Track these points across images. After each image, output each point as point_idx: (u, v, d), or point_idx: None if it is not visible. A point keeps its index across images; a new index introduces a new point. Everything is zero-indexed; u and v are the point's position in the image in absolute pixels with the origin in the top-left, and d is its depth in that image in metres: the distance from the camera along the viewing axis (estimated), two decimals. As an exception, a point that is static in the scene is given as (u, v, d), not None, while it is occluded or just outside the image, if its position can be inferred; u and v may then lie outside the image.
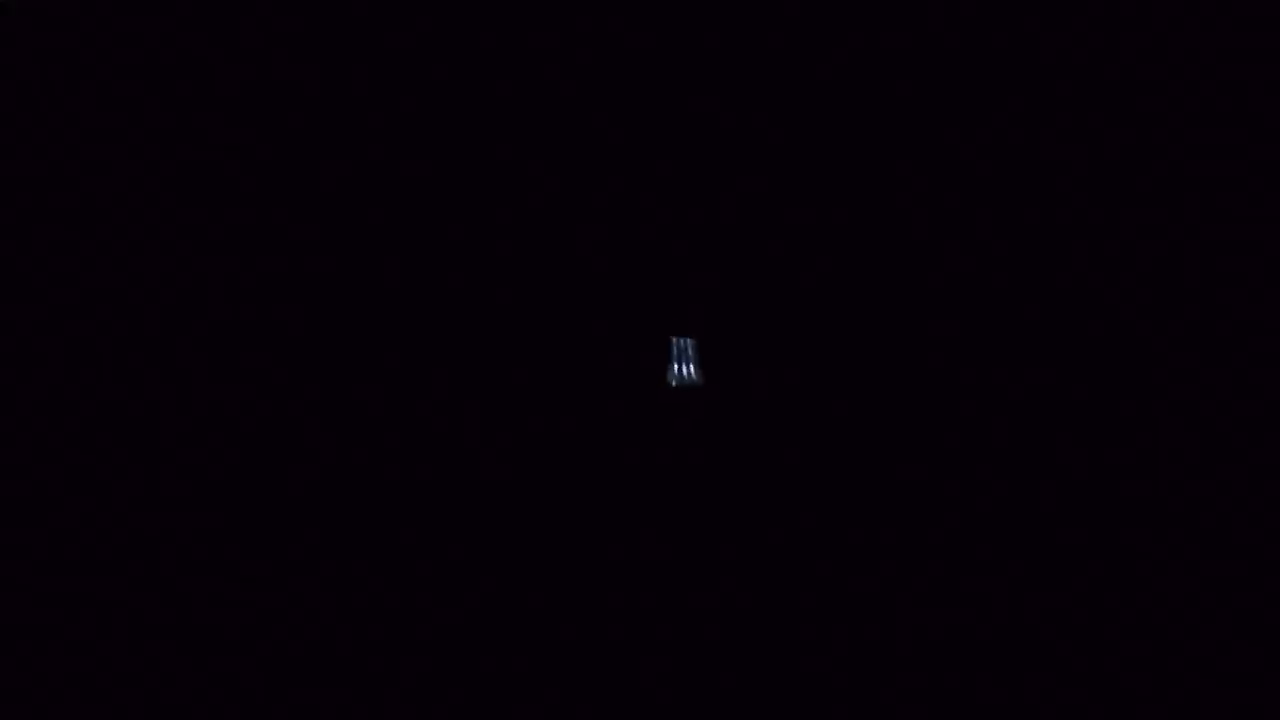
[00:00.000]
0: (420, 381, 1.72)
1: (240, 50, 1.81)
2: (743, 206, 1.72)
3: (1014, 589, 1.64)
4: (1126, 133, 1.71)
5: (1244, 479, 1.62)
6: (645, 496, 1.65)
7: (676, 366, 1.67)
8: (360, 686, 1.64)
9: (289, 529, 1.68)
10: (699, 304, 1.71)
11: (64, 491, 1.70)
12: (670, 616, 1.63)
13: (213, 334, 1.75)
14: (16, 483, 1.69)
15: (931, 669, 1.62)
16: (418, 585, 1.65)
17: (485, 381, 1.72)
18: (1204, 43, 1.70)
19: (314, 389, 1.74)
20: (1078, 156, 1.72)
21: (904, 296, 1.70)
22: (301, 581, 1.66)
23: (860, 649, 1.63)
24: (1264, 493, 1.62)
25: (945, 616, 1.63)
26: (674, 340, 1.67)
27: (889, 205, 1.71)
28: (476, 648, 1.64)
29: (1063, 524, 1.66)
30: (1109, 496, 1.66)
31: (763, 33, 1.73)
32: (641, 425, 1.67)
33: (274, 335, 1.75)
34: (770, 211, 1.71)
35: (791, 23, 1.72)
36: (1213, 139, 1.69)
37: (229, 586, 1.66)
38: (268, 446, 1.69)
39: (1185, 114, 1.70)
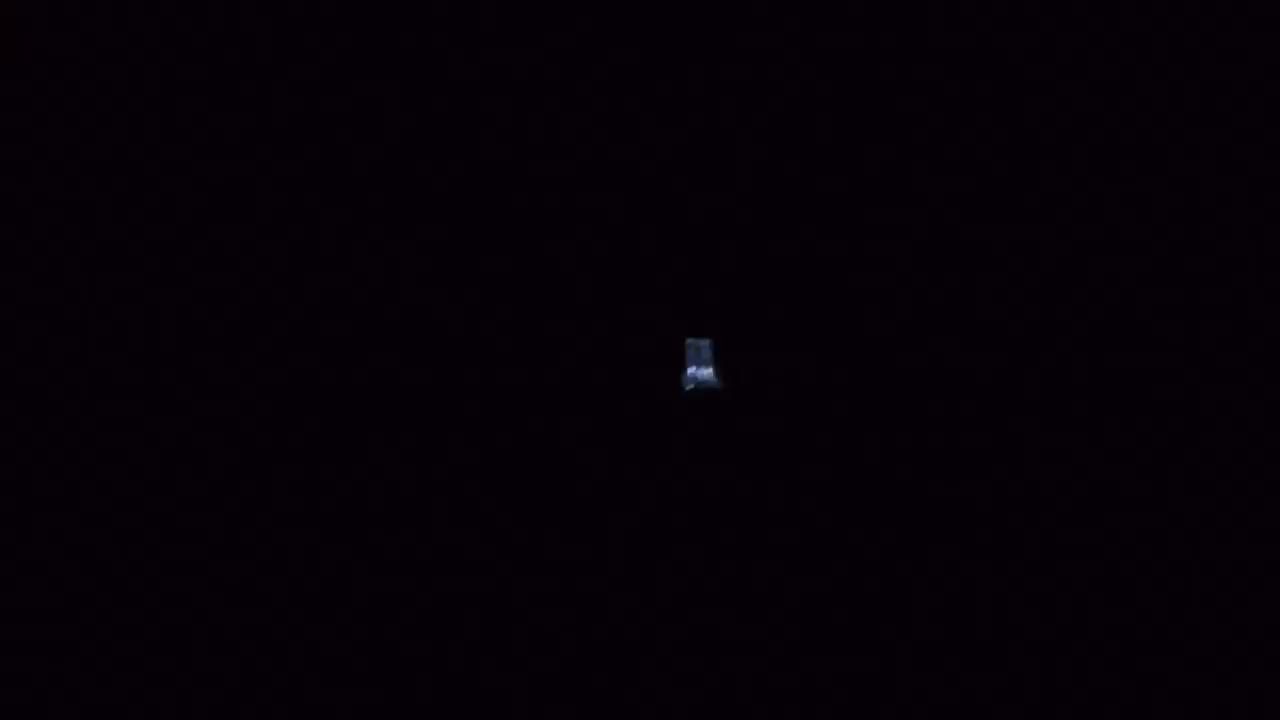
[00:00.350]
0: (431, 385, 1.70)
1: (240, 50, 1.79)
2: (755, 208, 1.71)
3: (1013, 589, 1.65)
4: (1126, 133, 1.73)
5: (1244, 478, 1.65)
6: (657, 502, 1.64)
7: (692, 369, 1.65)
8: (358, 687, 1.61)
9: (286, 529, 1.65)
10: (714, 305, 1.70)
11: (64, 491, 1.67)
12: (697, 617, 1.61)
13: (212, 334, 1.73)
14: (16, 483, 1.66)
15: (931, 669, 1.62)
16: (416, 586, 1.63)
17: (491, 385, 1.70)
18: (1203, 43, 1.72)
19: (312, 389, 1.72)
20: (1078, 156, 1.73)
21: (921, 299, 1.70)
22: (299, 582, 1.64)
23: (863, 649, 1.63)
24: (1263, 492, 1.64)
25: (946, 617, 1.64)
26: (689, 342, 1.65)
27: (901, 207, 1.71)
28: (473, 648, 1.62)
29: (1063, 524, 1.67)
30: (1108, 496, 1.67)
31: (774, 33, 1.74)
32: (655, 431, 1.66)
33: (274, 335, 1.73)
34: (783, 214, 1.71)
35: (791, 23, 1.73)
36: (1213, 139, 1.71)
37: (225, 587, 1.63)
38: (265, 447, 1.66)
39: (1185, 114, 1.72)
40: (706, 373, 1.66)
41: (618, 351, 1.70)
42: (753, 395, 1.69)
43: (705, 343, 1.66)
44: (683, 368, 1.67)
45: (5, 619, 1.69)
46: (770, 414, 1.69)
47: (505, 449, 1.71)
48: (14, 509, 1.72)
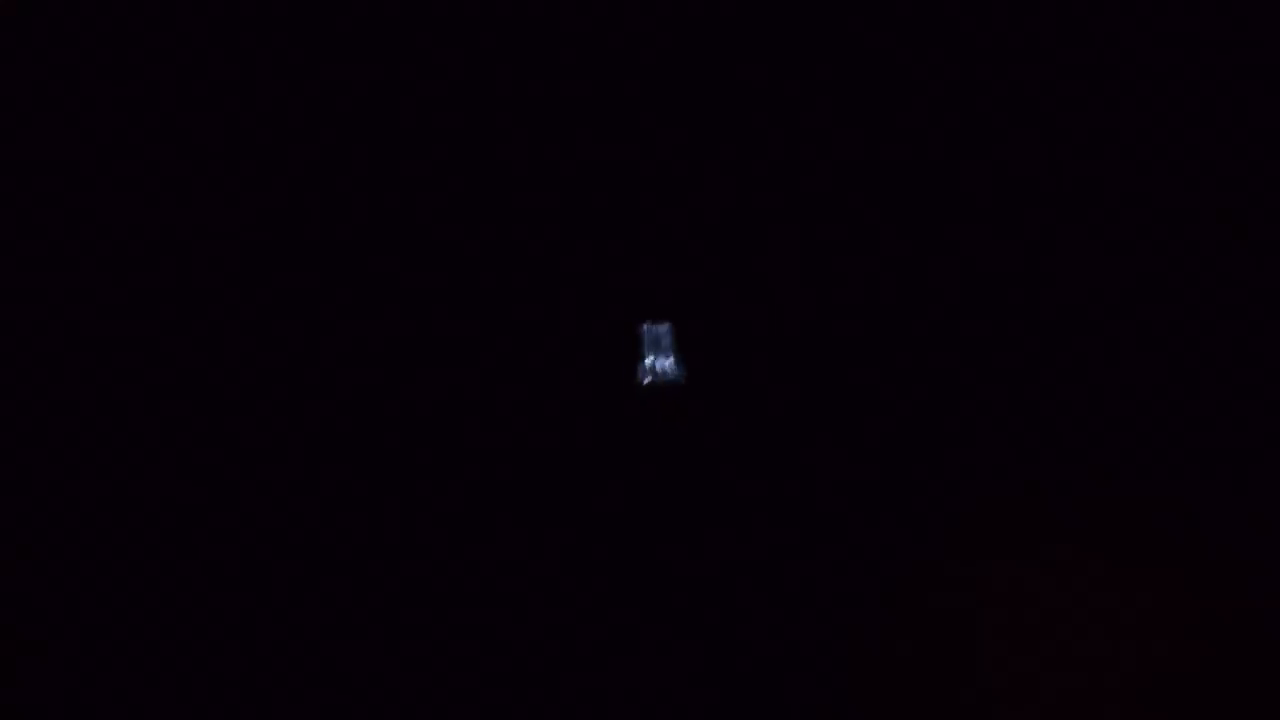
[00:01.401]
0: (374, 383, 1.69)
1: (238, 50, 1.83)
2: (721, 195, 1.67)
3: (1011, 588, 1.60)
4: (1125, 134, 1.71)
5: (1243, 478, 1.60)
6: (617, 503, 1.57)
7: (650, 359, 1.52)
8: (337, 687, 1.60)
9: (260, 533, 1.67)
10: (677, 290, 1.62)
11: (63, 492, 1.72)
12: (647, 618, 1.56)
13: (205, 334, 1.76)
14: (16, 483, 1.72)
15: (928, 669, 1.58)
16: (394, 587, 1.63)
17: (450, 383, 1.68)
18: (1203, 43, 1.70)
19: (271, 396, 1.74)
20: (1076, 157, 1.71)
21: (894, 291, 1.64)
22: (272, 584, 1.65)
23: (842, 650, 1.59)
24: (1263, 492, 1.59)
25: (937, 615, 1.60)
26: (646, 328, 1.52)
27: (870, 197, 1.67)
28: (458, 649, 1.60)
29: (1062, 524, 1.63)
30: (1106, 495, 1.63)
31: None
32: (610, 428, 1.58)
33: (248, 341, 1.75)
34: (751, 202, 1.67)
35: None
36: (1212, 139, 1.69)
37: (218, 588, 1.65)
38: (222, 451, 1.69)
39: (1185, 114, 1.70)
40: (666, 362, 1.53)
41: (576, 341, 1.62)
42: (715, 385, 1.58)
43: (664, 329, 1.53)
44: (640, 357, 1.55)
45: (5, 619, 1.73)
46: (733, 406, 1.59)
47: (470, 446, 1.66)
48: (13, 509, 1.75)
